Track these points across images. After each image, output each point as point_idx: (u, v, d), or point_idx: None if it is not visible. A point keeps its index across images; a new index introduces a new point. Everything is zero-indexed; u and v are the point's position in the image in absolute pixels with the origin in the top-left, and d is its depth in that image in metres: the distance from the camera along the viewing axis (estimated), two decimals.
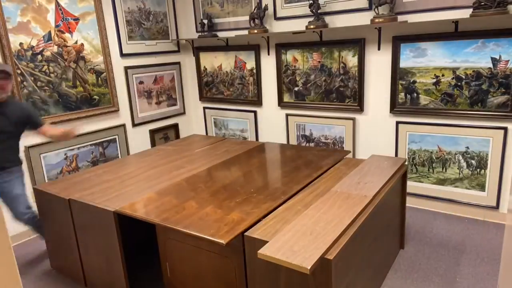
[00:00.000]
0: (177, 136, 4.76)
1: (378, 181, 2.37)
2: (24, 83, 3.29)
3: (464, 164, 3.28)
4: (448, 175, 3.38)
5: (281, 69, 4.05)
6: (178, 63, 4.68)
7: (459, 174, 3.32)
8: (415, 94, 3.35)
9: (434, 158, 3.40)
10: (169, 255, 2.23)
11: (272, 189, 2.36)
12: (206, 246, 2.04)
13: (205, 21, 4.31)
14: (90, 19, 3.69)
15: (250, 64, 4.27)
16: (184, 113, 4.85)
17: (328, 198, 2.16)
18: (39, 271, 2.92)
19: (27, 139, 3.34)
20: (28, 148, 3.34)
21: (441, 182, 3.42)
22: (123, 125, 4.11)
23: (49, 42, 3.43)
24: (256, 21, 3.92)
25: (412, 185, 3.54)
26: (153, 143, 4.43)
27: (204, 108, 4.80)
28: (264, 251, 1.66)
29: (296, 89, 4.02)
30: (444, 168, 3.38)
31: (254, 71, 4.25)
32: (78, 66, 3.66)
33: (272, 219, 2.00)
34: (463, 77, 3.12)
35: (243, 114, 4.48)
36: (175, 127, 4.74)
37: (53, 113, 3.49)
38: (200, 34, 4.41)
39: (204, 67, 4.66)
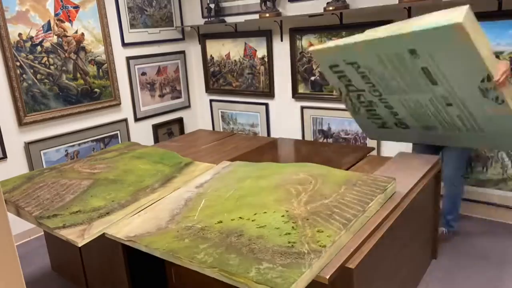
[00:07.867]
0: (182, 131, 4.63)
1: (407, 182, 2.19)
2: (24, 75, 3.19)
3: (508, 163, 3.00)
4: (489, 176, 3.09)
5: (296, 57, 3.84)
6: (183, 52, 4.53)
7: (503, 174, 3.03)
8: None
9: (472, 156, 3.12)
10: None
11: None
12: None
13: (212, 6, 4.10)
14: (90, 6, 3.58)
15: (261, 51, 4.08)
16: (189, 106, 4.71)
17: None
18: (39, 273, 2.85)
19: (27, 136, 3.26)
20: (28, 144, 3.25)
21: (482, 183, 3.13)
22: (125, 120, 3.99)
23: (49, 32, 3.33)
24: (268, 3, 3.69)
25: None
26: (156, 139, 4.31)
27: (211, 100, 4.65)
28: None
29: (312, 78, 3.81)
30: (485, 168, 3.14)
31: (266, 59, 4.06)
32: (78, 57, 3.56)
33: None
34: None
35: (254, 107, 4.32)
36: (180, 121, 4.61)
37: (53, 107, 3.40)
38: (207, 20, 4.22)
39: (211, 56, 4.50)
